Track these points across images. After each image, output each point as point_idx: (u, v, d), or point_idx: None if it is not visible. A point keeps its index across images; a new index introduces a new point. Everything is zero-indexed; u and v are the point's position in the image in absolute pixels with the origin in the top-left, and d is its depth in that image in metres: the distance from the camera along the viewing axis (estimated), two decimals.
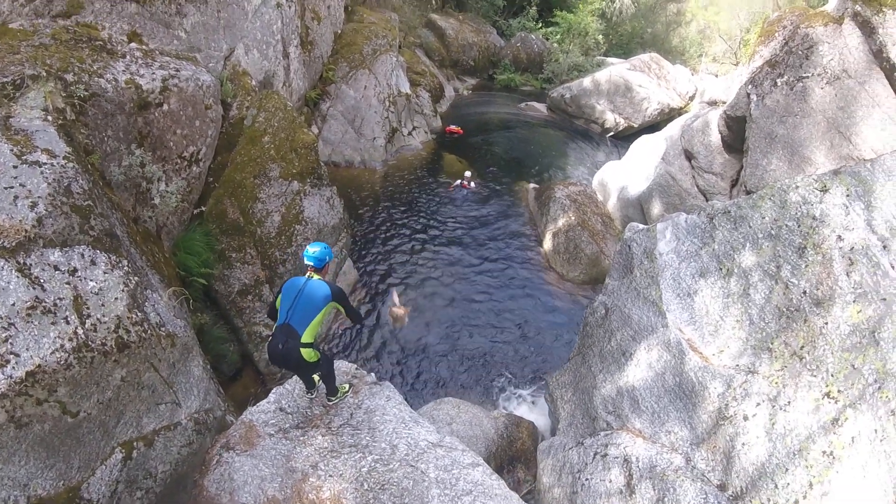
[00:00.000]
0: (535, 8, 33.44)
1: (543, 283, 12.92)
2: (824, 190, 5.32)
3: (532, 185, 17.00)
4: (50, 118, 5.13)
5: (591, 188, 16.36)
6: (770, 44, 11.49)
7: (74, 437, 4.43)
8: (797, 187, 5.53)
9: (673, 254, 6.79)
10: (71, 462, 4.47)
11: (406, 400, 6.57)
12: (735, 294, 5.78)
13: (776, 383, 5.02)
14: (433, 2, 29.65)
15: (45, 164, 4.69)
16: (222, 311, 8.78)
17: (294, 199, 9.93)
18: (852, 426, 4.42)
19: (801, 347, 4.96)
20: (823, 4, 11.95)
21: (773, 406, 4.94)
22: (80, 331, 4.24)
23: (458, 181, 16.45)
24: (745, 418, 5.07)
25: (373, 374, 6.90)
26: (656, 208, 13.20)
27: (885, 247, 4.79)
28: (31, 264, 4.21)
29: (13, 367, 3.86)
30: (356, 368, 6.87)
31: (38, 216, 4.39)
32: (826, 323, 4.86)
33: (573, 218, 13.72)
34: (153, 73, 7.06)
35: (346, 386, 6.36)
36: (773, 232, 5.61)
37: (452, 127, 21.14)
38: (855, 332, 4.66)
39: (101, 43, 6.67)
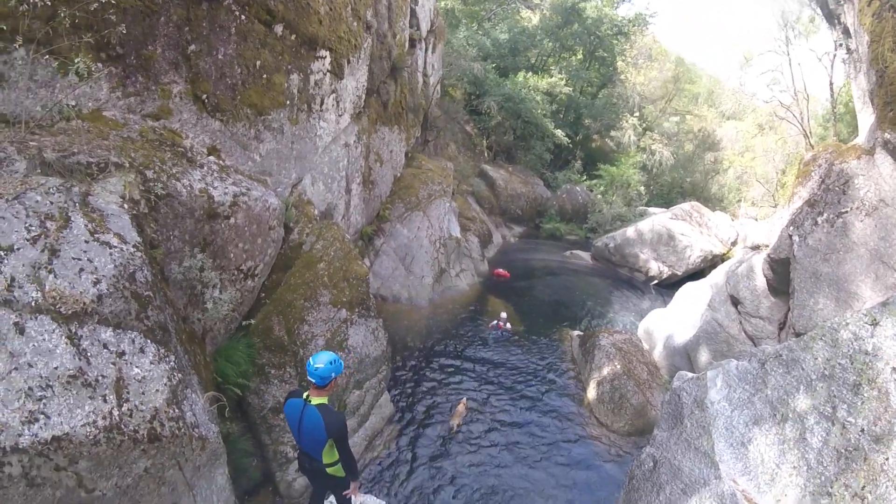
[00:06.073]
0: (579, 161, 35.83)
1: (587, 434, 12.24)
2: (874, 323, 5.17)
3: (576, 332, 16.82)
4: (126, 206, 5.58)
5: (637, 336, 16.06)
6: (807, 183, 11.70)
7: None
8: (847, 324, 5.39)
9: (725, 402, 6.54)
10: None
11: None
12: (791, 440, 5.42)
13: None
14: (486, 153, 32.11)
15: (116, 247, 5.03)
16: (251, 425, 8.64)
17: (340, 326, 10.10)
18: None
19: (863, 487, 4.54)
20: (854, 137, 12.20)
21: None
22: (115, 412, 4.29)
23: (494, 322, 16.52)
24: None
25: None
26: (704, 356, 12.74)
27: None
28: (81, 336, 4.38)
29: (40, 427, 3.87)
30: None
31: (99, 293, 4.64)
32: (887, 458, 4.50)
33: (618, 366, 13.31)
34: (226, 188, 7.66)
35: None
36: (826, 372, 5.38)
37: (500, 270, 21.70)
38: None
39: (182, 150, 7.36)
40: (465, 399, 12.35)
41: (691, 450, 6.54)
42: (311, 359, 4.86)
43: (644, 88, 41.14)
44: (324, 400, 4.89)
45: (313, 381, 4.83)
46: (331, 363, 4.84)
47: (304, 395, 4.93)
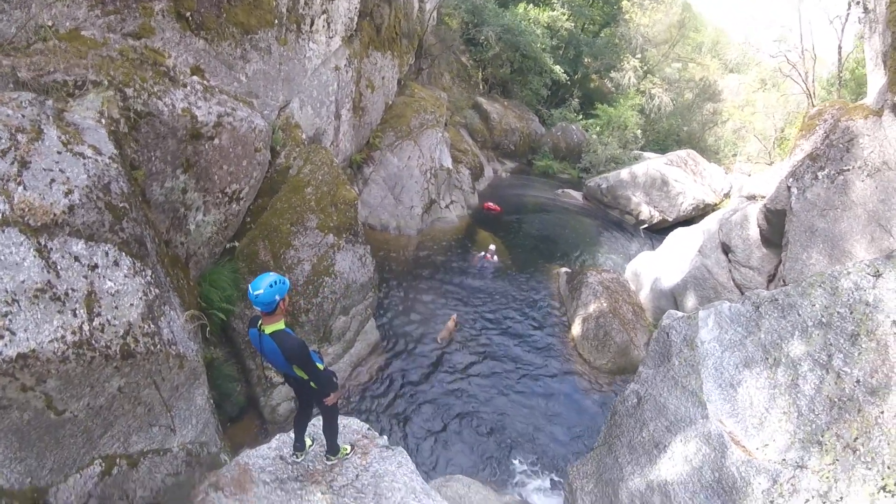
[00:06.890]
0: (577, 100, 34.81)
1: (569, 369, 12.40)
2: (877, 275, 5.03)
3: (564, 269, 16.79)
4: (103, 121, 5.22)
5: (624, 277, 16.07)
6: (811, 137, 11.47)
7: (53, 437, 4.13)
8: (849, 273, 5.25)
9: (715, 342, 6.42)
10: (43, 461, 4.15)
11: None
12: (782, 385, 5.36)
13: (827, 478, 4.52)
14: (481, 86, 31.06)
15: (90, 157, 4.69)
16: (236, 350, 8.54)
17: (327, 251, 9.90)
18: None
19: (855, 439, 4.51)
20: (861, 98, 11.99)
21: (824, 502, 4.44)
22: (85, 327, 4.06)
23: (482, 253, 16.45)
24: None
25: (385, 436, 6.49)
26: (691, 301, 12.79)
27: None
28: (51, 248, 4.10)
29: (5, 345, 3.64)
30: (368, 429, 6.45)
31: (71, 204, 4.33)
32: (882, 412, 4.43)
33: (604, 304, 13.35)
34: (210, 108, 7.25)
35: (348, 447, 5.91)
36: (823, 320, 5.26)
37: (491, 204, 21.47)
38: None
39: (165, 69, 6.91)
40: (454, 315, 12.69)
41: (678, 388, 6.48)
42: (250, 285, 4.30)
43: (648, 31, 39.46)
44: (279, 325, 4.47)
45: (259, 308, 4.35)
46: (271, 286, 4.28)
47: (258, 323, 4.54)
